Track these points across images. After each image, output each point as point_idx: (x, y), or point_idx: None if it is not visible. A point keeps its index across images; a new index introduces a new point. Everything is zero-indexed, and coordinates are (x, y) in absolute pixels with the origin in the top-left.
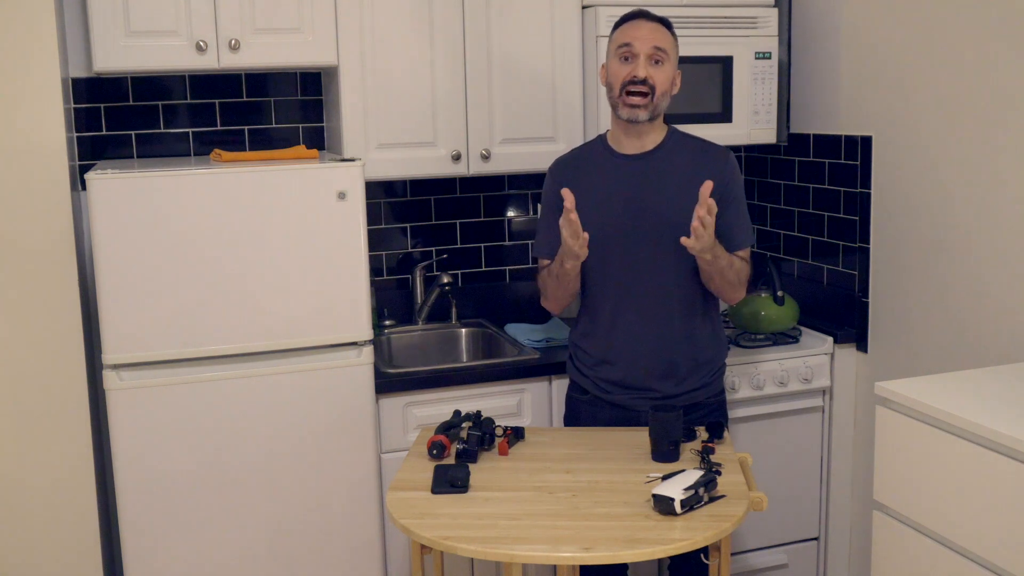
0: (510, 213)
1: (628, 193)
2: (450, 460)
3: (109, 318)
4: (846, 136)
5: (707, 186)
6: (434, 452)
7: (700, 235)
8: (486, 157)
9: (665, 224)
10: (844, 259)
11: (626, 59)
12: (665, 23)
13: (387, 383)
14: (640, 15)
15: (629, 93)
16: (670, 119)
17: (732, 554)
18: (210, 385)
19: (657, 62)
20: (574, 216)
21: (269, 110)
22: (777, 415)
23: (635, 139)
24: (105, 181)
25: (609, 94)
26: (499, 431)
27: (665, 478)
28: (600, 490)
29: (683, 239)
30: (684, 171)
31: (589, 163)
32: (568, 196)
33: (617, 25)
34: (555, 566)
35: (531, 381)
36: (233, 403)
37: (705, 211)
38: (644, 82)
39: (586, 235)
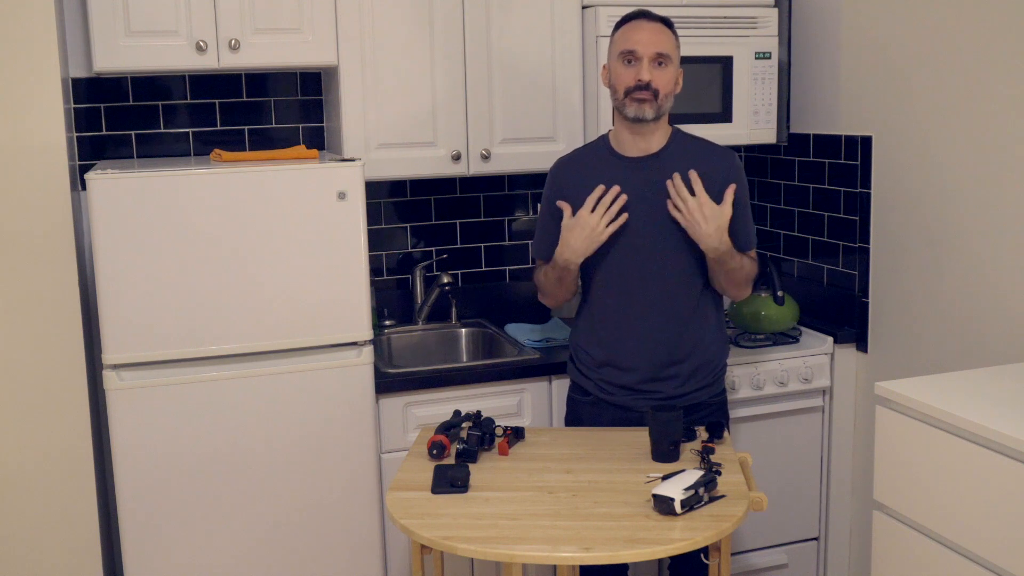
0: (510, 213)
1: (632, 195)
2: (450, 460)
3: (109, 318)
4: (846, 136)
5: (729, 190)
6: (434, 452)
7: (687, 211)
8: (486, 157)
9: (669, 226)
10: (844, 259)
11: (629, 63)
12: (666, 23)
13: (387, 383)
14: (641, 15)
15: (634, 94)
16: (670, 119)
17: (732, 554)
18: (210, 385)
19: (660, 64)
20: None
21: (269, 110)
22: (777, 415)
23: (640, 140)
24: (105, 181)
25: (613, 96)
26: (499, 431)
27: (665, 478)
28: (600, 490)
29: (680, 217)
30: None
31: (592, 164)
32: (565, 207)
33: (618, 26)
34: (555, 566)
35: (531, 381)
36: (233, 403)
37: (726, 203)
38: (647, 86)
39: (613, 226)
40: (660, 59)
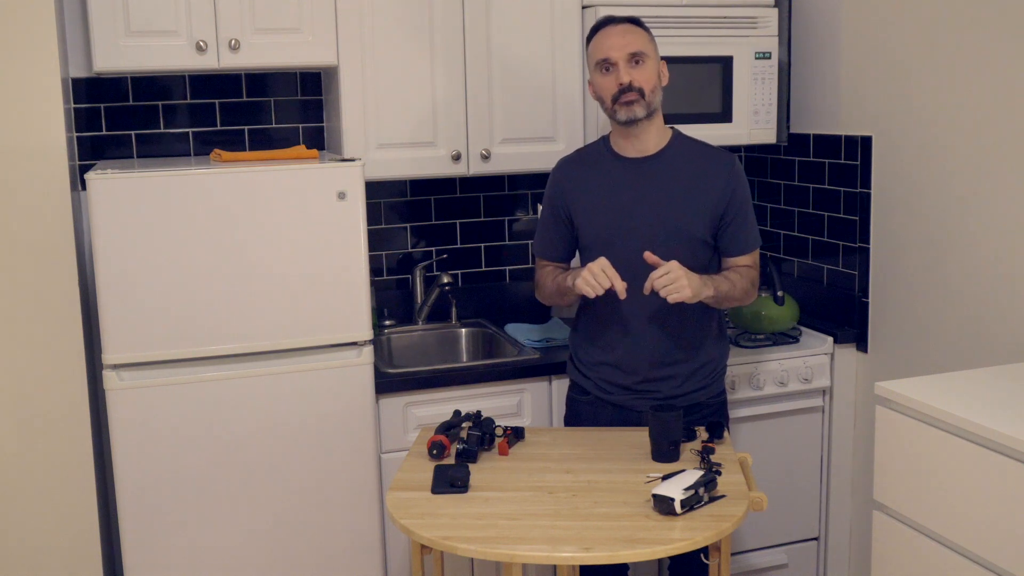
0: (510, 213)
1: (632, 195)
2: (450, 460)
3: (109, 318)
4: (846, 136)
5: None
6: (434, 452)
7: (666, 286)
8: (486, 157)
9: (668, 227)
10: (844, 259)
11: (607, 71)
12: (633, 21)
13: (387, 383)
14: (607, 22)
15: (620, 99)
16: (670, 119)
17: (732, 554)
18: (210, 385)
19: (637, 63)
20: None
21: (269, 110)
22: (777, 415)
23: (636, 142)
24: (105, 181)
25: (603, 107)
26: (499, 431)
27: (665, 478)
28: (600, 490)
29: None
30: (689, 175)
31: (593, 164)
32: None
33: (589, 39)
34: (555, 566)
35: (531, 381)
36: (233, 403)
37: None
38: (630, 87)
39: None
40: (635, 58)
